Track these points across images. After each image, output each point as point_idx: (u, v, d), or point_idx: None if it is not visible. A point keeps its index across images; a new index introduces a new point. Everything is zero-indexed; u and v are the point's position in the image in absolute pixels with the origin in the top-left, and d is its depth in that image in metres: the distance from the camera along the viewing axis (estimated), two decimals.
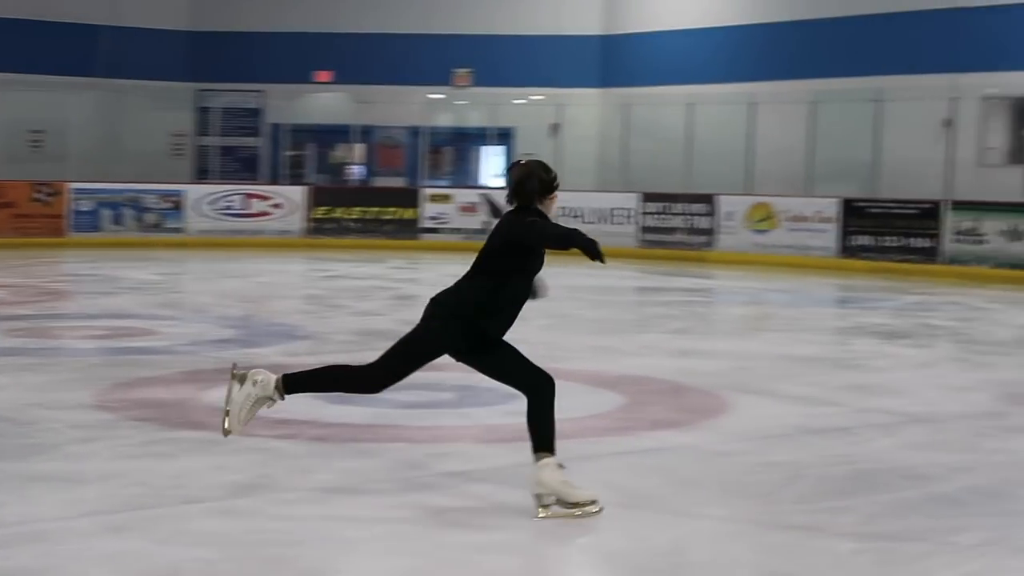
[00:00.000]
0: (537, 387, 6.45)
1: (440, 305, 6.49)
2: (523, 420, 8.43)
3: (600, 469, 7.22)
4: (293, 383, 6.49)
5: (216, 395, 8.99)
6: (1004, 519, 6.36)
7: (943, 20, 23.80)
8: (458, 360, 6.55)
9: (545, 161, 6.71)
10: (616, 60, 29.03)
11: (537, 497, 6.19)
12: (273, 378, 6.42)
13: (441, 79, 28.93)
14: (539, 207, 6.50)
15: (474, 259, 6.53)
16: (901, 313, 15.79)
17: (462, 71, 29.13)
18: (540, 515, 6.13)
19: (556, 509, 6.14)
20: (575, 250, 6.15)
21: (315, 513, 6.16)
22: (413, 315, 16.06)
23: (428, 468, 7.10)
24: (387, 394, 9.12)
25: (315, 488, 6.63)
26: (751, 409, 9.07)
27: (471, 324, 6.40)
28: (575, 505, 6.14)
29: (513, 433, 7.95)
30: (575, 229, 6.30)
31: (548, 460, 6.22)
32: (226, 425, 6.34)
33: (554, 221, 6.47)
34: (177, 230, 25.40)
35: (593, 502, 6.18)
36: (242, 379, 6.43)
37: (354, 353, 11.52)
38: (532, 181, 6.54)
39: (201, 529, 5.83)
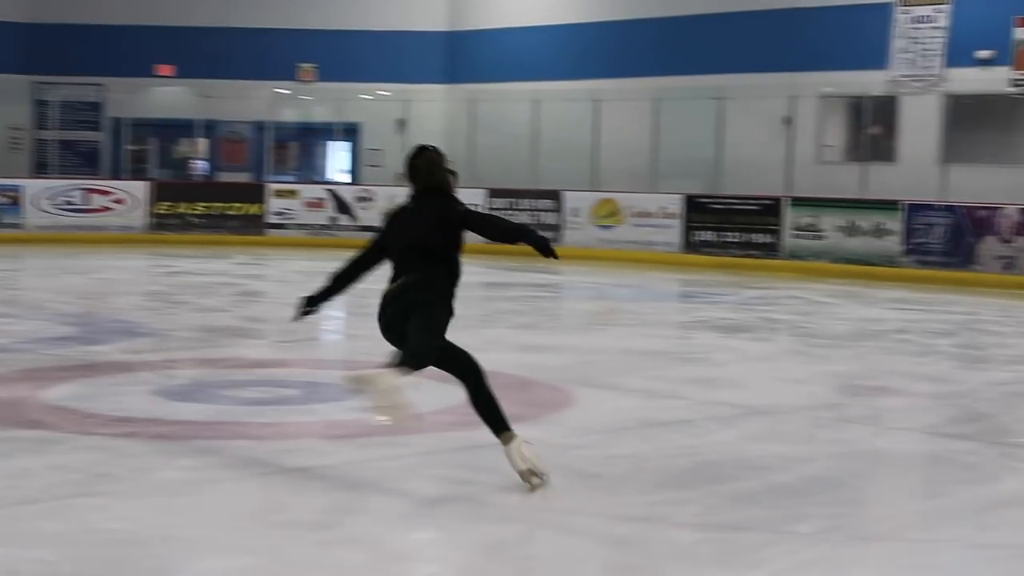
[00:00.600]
0: (474, 371, 6.66)
1: (433, 288, 6.59)
2: (367, 416, 8.42)
3: (446, 464, 7.24)
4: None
5: (55, 393, 8.84)
6: (841, 508, 6.49)
7: (782, 20, 24.26)
8: None
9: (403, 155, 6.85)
10: (462, 56, 29.08)
11: (526, 473, 6.49)
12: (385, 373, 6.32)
13: (286, 74, 28.71)
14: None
15: (409, 252, 6.64)
16: (742, 307, 16.04)
17: (307, 66, 28.94)
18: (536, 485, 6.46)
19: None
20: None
21: (157, 512, 6.07)
22: (257, 311, 16.01)
23: (272, 465, 7.04)
24: (230, 391, 9.10)
25: (157, 486, 6.54)
26: (595, 403, 9.15)
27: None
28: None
29: (358, 429, 7.94)
30: (526, 225, 6.51)
31: (514, 436, 6.53)
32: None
33: None
34: (15, 226, 24.82)
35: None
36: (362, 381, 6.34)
37: (197, 350, 11.40)
38: (443, 169, 6.69)
39: (39, 530, 5.71)
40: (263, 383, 9.56)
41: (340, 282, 7.02)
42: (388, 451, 7.43)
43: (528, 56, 27.69)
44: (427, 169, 6.78)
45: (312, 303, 7.00)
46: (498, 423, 6.60)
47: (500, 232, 6.59)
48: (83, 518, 5.93)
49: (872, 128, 23.08)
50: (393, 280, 6.71)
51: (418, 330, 6.46)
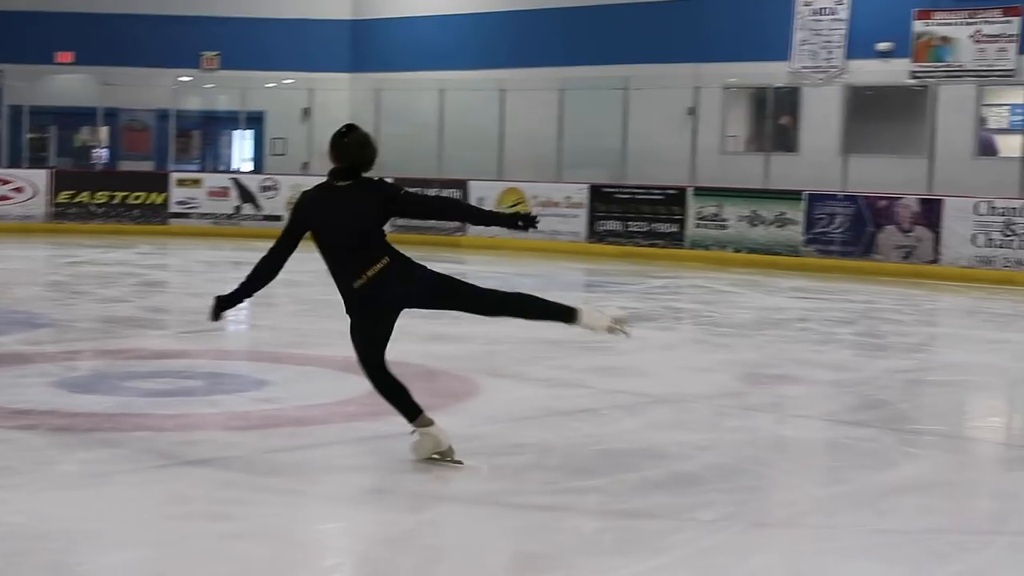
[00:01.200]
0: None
1: (414, 264, 6.82)
2: (271, 406, 8.40)
3: (349, 454, 7.22)
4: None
5: None
6: (742, 495, 6.56)
7: (687, 11, 24.42)
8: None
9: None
10: (367, 45, 28.97)
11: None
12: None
13: (190, 62, 28.44)
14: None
15: (354, 237, 6.71)
16: (647, 296, 16.14)
17: (210, 54, 28.68)
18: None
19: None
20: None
21: (57, 505, 6.00)
22: (160, 301, 15.84)
23: (173, 457, 6.98)
24: (132, 383, 9.01)
25: (57, 479, 6.46)
26: (500, 392, 9.17)
27: None
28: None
29: (262, 420, 7.90)
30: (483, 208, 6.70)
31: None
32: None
33: None
34: None
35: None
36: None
37: (98, 341, 11.27)
38: (373, 148, 6.66)
39: None
40: (165, 374, 9.47)
41: (259, 278, 6.92)
42: (292, 441, 7.40)
43: (434, 45, 27.65)
44: (358, 147, 6.66)
45: (228, 303, 6.88)
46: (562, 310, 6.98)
47: (464, 215, 6.81)
48: None
49: (783, 119, 23.30)
50: (339, 271, 6.67)
51: (482, 289, 6.94)
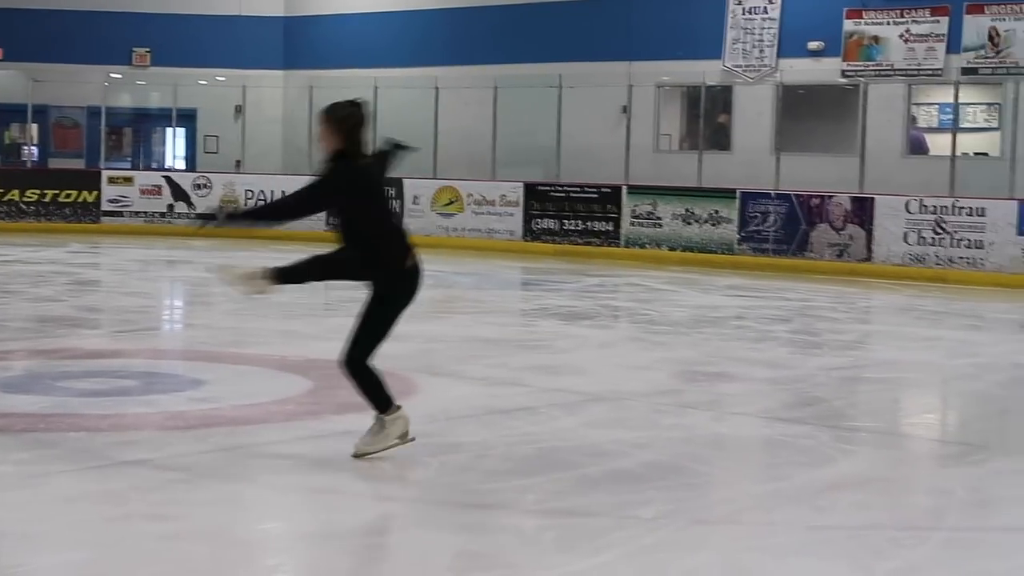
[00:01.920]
0: None
1: None
2: (208, 406, 8.35)
3: (288, 454, 7.19)
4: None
5: None
6: (681, 492, 6.59)
7: (619, 9, 24.48)
8: None
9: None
10: (300, 42, 28.85)
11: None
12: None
13: (121, 58, 28.19)
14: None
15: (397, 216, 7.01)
16: (583, 295, 16.17)
17: (142, 50, 28.44)
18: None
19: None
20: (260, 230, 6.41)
21: None
22: (93, 300, 15.71)
23: (109, 457, 6.92)
24: (67, 383, 8.93)
25: None
26: (438, 391, 9.16)
27: None
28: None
29: (198, 420, 7.85)
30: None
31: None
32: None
33: None
34: None
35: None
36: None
37: (31, 341, 11.15)
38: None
39: None
40: (100, 374, 9.39)
41: (274, 214, 7.56)
42: (230, 441, 7.37)
43: (367, 42, 27.57)
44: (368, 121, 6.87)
45: (232, 218, 7.08)
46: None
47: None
48: None
49: (720, 117, 23.42)
50: (387, 247, 6.80)
51: None
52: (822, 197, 20.05)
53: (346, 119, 6.70)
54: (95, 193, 25.25)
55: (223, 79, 27.74)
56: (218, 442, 7.33)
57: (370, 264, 6.71)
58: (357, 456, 6.80)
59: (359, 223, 6.69)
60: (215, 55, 28.35)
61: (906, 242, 19.20)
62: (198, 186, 25.19)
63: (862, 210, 19.66)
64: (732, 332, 13.35)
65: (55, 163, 27.90)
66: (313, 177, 6.80)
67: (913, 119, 21.96)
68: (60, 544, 5.49)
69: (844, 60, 22.01)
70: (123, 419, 7.90)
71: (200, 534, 5.64)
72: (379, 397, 6.84)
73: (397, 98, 25.47)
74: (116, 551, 5.40)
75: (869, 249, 19.51)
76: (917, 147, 21.82)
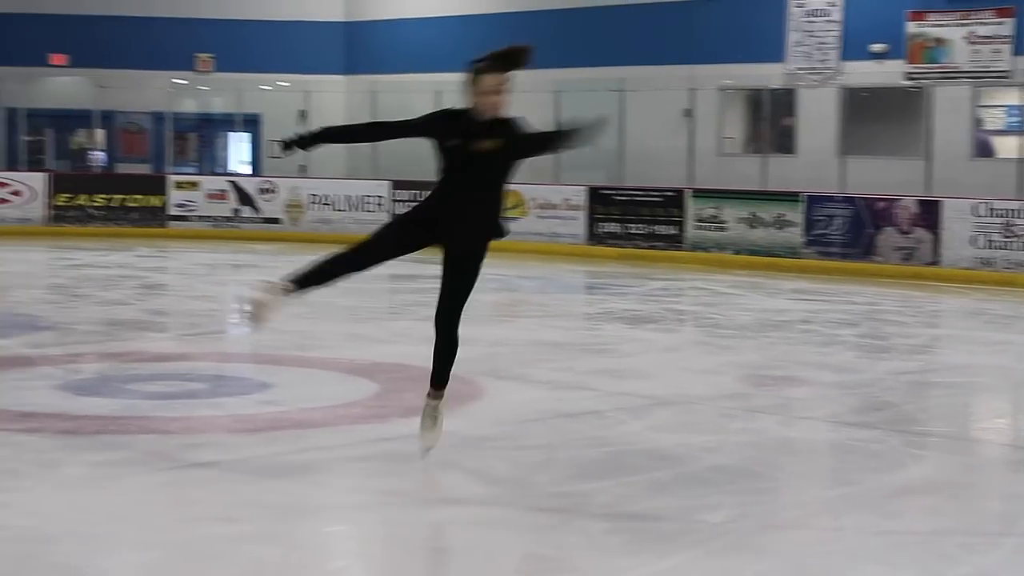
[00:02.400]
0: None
1: None
2: (275, 409, 8.39)
3: (355, 457, 7.21)
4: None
5: None
6: (748, 496, 6.55)
7: (681, 12, 24.41)
8: None
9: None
10: (361, 47, 28.96)
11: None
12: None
13: (184, 64, 28.41)
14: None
15: None
16: (648, 299, 16.13)
17: (205, 56, 28.66)
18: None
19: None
20: None
21: (65, 507, 6.00)
22: (161, 304, 15.84)
23: (179, 459, 6.97)
24: (136, 385, 9.00)
25: (64, 482, 6.46)
26: (505, 394, 9.16)
27: None
28: None
29: (266, 422, 7.90)
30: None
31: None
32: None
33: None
34: None
35: None
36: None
37: (100, 344, 11.26)
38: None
39: None
40: (168, 377, 9.46)
41: (354, 134, 8.20)
42: (298, 444, 7.40)
43: (428, 47, 27.63)
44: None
45: (309, 140, 6.93)
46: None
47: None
48: None
49: (785, 120, 23.31)
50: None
51: None
52: (888, 200, 19.89)
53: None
54: (162, 198, 25.45)
55: (285, 84, 27.91)
56: (285, 445, 7.37)
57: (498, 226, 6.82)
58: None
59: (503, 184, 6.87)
60: (277, 60, 28.53)
61: (974, 246, 19.01)
62: (263, 190, 25.34)
63: (929, 213, 19.48)
64: (799, 336, 13.27)
65: (122, 168, 28.16)
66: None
67: (979, 121, 21.75)
68: (130, 545, 5.54)
69: (908, 62, 21.83)
70: (192, 422, 7.96)
71: (268, 536, 5.67)
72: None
73: (459, 103, 25.54)
74: (185, 552, 5.44)
75: (936, 252, 19.33)
76: (984, 150, 21.62)
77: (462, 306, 6.74)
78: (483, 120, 6.62)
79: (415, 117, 6.87)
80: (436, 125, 6.77)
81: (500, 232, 6.75)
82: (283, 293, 6.50)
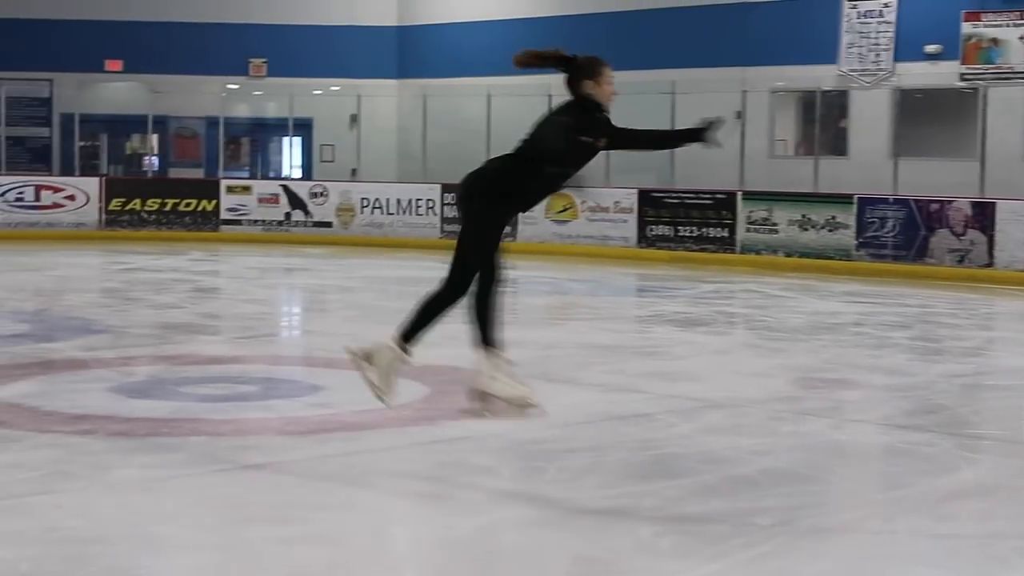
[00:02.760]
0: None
1: None
2: (325, 411, 8.42)
3: (405, 459, 7.23)
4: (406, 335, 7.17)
5: (11, 391, 8.80)
6: (799, 499, 6.52)
7: (733, 14, 24.35)
8: None
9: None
10: (413, 51, 29.04)
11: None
12: (388, 343, 6.51)
13: (237, 69, 28.59)
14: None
15: None
16: (698, 301, 16.09)
17: (258, 61, 28.82)
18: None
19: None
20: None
21: (116, 509, 6.04)
22: (213, 307, 15.97)
23: (230, 461, 7.01)
24: (188, 388, 9.06)
25: (116, 484, 6.50)
26: (555, 396, 9.13)
27: None
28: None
29: (316, 425, 7.93)
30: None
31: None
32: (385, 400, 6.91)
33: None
34: None
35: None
36: (366, 358, 6.65)
37: (153, 347, 11.33)
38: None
39: None
40: (220, 379, 9.51)
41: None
42: (348, 446, 7.42)
43: (480, 51, 27.66)
44: None
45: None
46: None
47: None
48: (42, 516, 5.88)
49: (842, 122, 23.20)
50: None
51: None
52: (941, 202, 19.76)
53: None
54: (214, 202, 25.62)
55: (338, 89, 28.03)
56: (336, 447, 7.39)
57: None
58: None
59: None
60: (329, 65, 28.66)
61: None
62: (315, 194, 25.45)
63: (983, 215, 19.34)
64: (850, 339, 13.19)
65: (175, 172, 28.37)
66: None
67: None
68: (182, 547, 5.57)
69: (962, 63, 21.68)
70: (243, 424, 8.00)
71: (319, 538, 5.69)
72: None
73: (511, 106, 25.56)
74: (237, 554, 5.47)
75: (991, 255, 19.19)
76: None
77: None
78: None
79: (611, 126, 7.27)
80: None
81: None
82: (395, 356, 6.86)
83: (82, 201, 25.31)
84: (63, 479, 6.56)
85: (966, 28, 21.65)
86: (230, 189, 25.82)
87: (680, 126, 23.31)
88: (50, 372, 9.72)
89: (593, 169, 26.29)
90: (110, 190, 25.64)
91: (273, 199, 25.53)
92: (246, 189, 25.90)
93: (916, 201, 20.01)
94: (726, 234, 21.82)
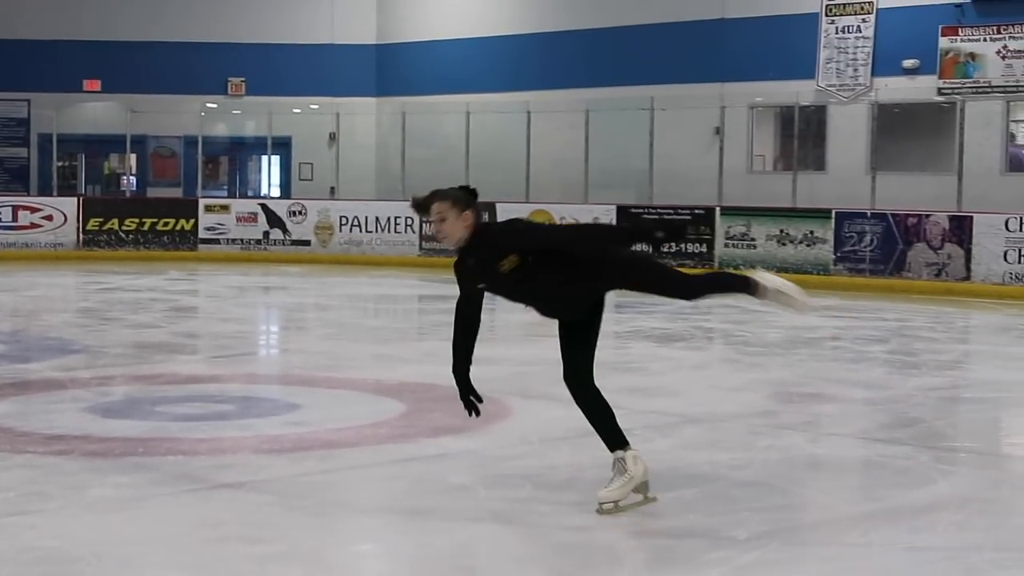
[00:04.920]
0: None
1: None
2: (302, 430, 8.40)
3: (381, 476, 7.22)
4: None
5: None
6: (776, 513, 6.53)
7: (711, 31, 24.42)
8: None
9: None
10: (392, 69, 29.06)
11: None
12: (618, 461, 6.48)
13: (215, 88, 28.57)
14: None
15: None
16: (676, 317, 16.08)
17: (236, 80, 28.81)
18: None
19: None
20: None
21: (92, 529, 6.02)
22: (191, 326, 15.92)
23: (207, 480, 6.99)
24: (165, 407, 9.04)
25: (90, 503, 6.48)
26: (532, 413, 9.16)
27: None
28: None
29: (293, 443, 7.91)
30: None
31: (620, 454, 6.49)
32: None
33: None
34: None
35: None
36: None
37: (130, 367, 11.30)
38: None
39: None
40: (197, 399, 9.49)
41: None
42: (325, 464, 7.41)
43: (458, 68, 27.71)
44: None
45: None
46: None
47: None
48: (16, 536, 5.86)
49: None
50: None
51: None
52: (919, 216, 19.83)
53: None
54: (192, 221, 25.58)
55: (316, 107, 28.04)
56: (313, 465, 7.38)
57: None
58: (603, 506, 6.43)
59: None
60: (308, 83, 28.67)
61: (1006, 261, 18.93)
62: (293, 213, 25.43)
63: (960, 229, 19.41)
64: (828, 353, 13.22)
65: (153, 192, 28.34)
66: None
67: (1012, 136, 21.67)
68: (158, 566, 5.55)
69: (940, 78, 21.77)
70: (220, 443, 7.98)
71: (295, 556, 5.67)
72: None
73: (489, 123, 25.61)
74: (212, 573, 5.46)
75: (968, 268, 19.25)
76: (1016, 164, 21.52)
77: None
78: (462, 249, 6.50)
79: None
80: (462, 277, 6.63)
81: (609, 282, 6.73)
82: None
83: (60, 221, 25.24)
84: (38, 499, 6.54)
85: (944, 43, 21.74)
86: (208, 208, 25.78)
87: (659, 143, 23.41)
88: (26, 392, 9.69)
89: (571, 184, 26.14)
90: (88, 210, 25.58)
91: (251, 218, 25.50)
92: (224, 208, 25.87)
93: (894, 215, 20.07)
94: (705, 249, 21.86)
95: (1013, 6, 21.17)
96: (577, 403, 6.60)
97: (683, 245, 21.99)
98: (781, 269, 20.79)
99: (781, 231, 21.10)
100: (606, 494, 6.38)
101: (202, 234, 25.55)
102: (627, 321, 16.11)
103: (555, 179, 24.63)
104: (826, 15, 22.93)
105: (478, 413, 6.41)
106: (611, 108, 24.10)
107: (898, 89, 22.02)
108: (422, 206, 6.53)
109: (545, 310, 6.65)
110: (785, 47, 23.45)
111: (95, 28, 28.48)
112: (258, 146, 29.11)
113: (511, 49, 27.17)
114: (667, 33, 24.93)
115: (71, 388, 9.89)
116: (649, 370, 11.60)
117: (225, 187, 29.76)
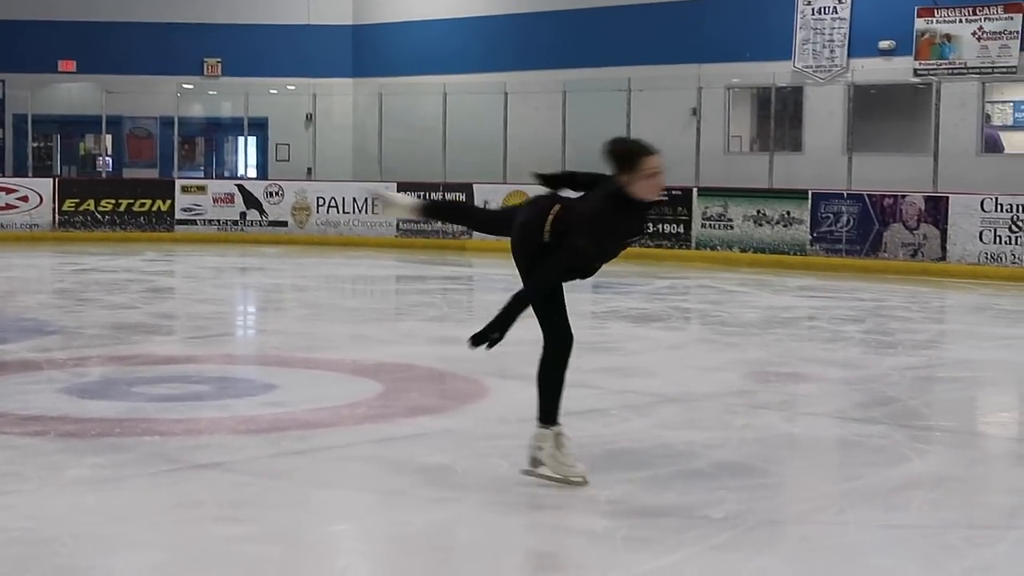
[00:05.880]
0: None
1: None
2: (279, 410, 8.39)
3: (358, 456, 7.21)
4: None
5: None
6: (752, 492, 6.54)
7: (688, 11, 24.42)
8: None
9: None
10: (369, 50, 29.00)
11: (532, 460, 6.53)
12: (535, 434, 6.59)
13: (192, 69, 28.47)
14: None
15: None
16: (653, 297, 16.12)
17: (212, 60, 28.71)
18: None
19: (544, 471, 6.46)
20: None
21: (66, 509, 6.01)
22: (167, 307, 15.85)
23: (183, 461, 6.97)
24: (141, 388, 9.02)
25: (66, 484, 6.46)
26: (509, 393, 9.15)
27: None
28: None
29: (270, 423, 7.90)
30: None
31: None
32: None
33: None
34: None
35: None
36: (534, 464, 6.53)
37: (106, 347, 11.28)
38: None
39: None
40: (174, 379, 9.47)
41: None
42: (302, 444, 7.41)
43: (435, 49, 27.67)
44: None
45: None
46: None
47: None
48: None
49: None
50: None
51: None
52: (895, 197, 19.88)
53: None
54: (169, 202, 25.50)
55: (293, 88, 27.97)
56: (290, 446, 7.37)
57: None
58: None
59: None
60: (285, 64, 28.59)
61: (981, 241, 19.00)
62: (270, 194, 25.37)
63: (936, 209, 19.47)
64: (804, 333, 13.25)
65: (129, 173, 28.22)
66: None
67: (987, 117, 21.73)
68: (134, 546, 5.54)
69: (916, 59, 21.82)
70: (196, 423, 7.96)
71: (271, 536, 5.67)
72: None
73: (466, 104, 25.57)
74: (189, 553, 5.45)
75: (944, 248, 19.32)
76: (992, 145, 21.59)
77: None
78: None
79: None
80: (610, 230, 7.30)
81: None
82: (412, 207, 6.76)
83: (35, 202, 25.13)
84: (14, 480, 6.52)
85: (919, 24, 21.78)
86: (185, 189, 25.70)
87: (636, 124, 23.38)
88: (2, 374, 9.66)
89: (548, 165, 26.11)
90: (63, 191, 25.48)
91: (228, 199, 25.43)
92: (201, 189, 25.80)
93: (870, 196, 20.12)
94: (682, 230, 21.88)
95: None
96: (563, 368, 6.84)
97: (660, 226, 22.01)
98: (758, 249, 20.88)
99: (758, 212, 21.13)
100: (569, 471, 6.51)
101: (179, 215, 25.47)
102: (604, 301, 16.12)
103: (532, 160, 24.47)
104: None
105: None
106: (588, 89, 24.09)
107: (874, 70, 22.05)
108: (651, 152, 6.76)
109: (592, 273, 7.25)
110: (762, 28, 23.47)
111: (70, 8, 28.34)
112: (234, 127, 29.02)
113: (488, 30, 27.13)
114: (644, 14, 24.92)
115: (47, 369, 9.86)
116: (626, 350, 11.61)
117: (202, 168, 29.67)
